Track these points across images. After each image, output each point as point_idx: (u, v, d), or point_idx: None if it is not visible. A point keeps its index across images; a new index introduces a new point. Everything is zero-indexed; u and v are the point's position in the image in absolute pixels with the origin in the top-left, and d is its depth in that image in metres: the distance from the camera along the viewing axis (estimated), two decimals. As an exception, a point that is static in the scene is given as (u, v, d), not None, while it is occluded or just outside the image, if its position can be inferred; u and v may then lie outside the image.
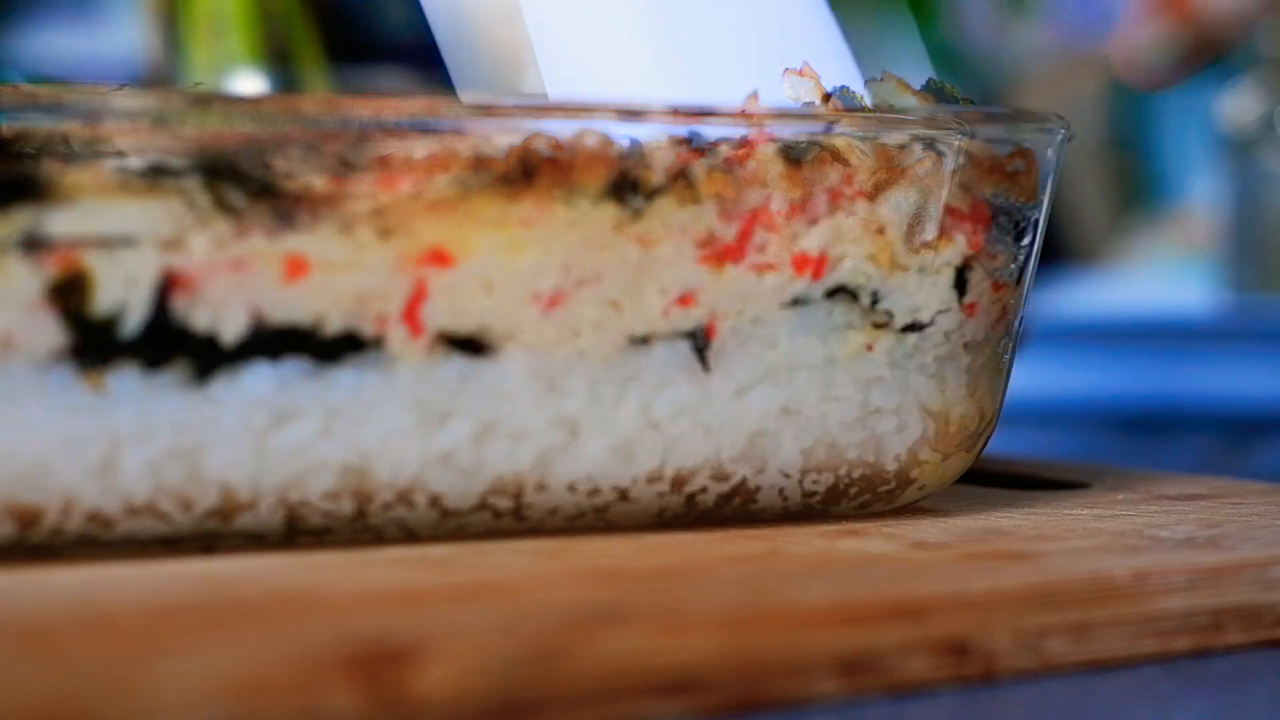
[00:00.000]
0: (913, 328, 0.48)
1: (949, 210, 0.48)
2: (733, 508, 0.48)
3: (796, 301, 0.47)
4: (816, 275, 0.47)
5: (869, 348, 0.48)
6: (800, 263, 0.47)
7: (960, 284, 0.48)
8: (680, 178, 0.45)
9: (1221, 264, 1.56)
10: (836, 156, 0.47)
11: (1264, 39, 1.56)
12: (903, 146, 0.47)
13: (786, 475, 0.48)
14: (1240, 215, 1.54)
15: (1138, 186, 1.84)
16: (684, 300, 0.46)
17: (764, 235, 0.46)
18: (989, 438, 0.51)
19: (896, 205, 0.47)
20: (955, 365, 0.49)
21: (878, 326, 0.48)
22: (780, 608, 0.39)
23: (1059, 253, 1.65)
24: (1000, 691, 0.41)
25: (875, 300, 0.48)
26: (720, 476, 0.47)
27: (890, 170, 0.47)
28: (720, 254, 0.46)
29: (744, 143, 0.46)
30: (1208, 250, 1.62)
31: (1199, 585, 0.43)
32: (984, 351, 0.49)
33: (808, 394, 0.47)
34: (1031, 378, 1.21)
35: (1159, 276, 1.64)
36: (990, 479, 0.57)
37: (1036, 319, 1.22)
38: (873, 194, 0.47)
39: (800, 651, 0.38)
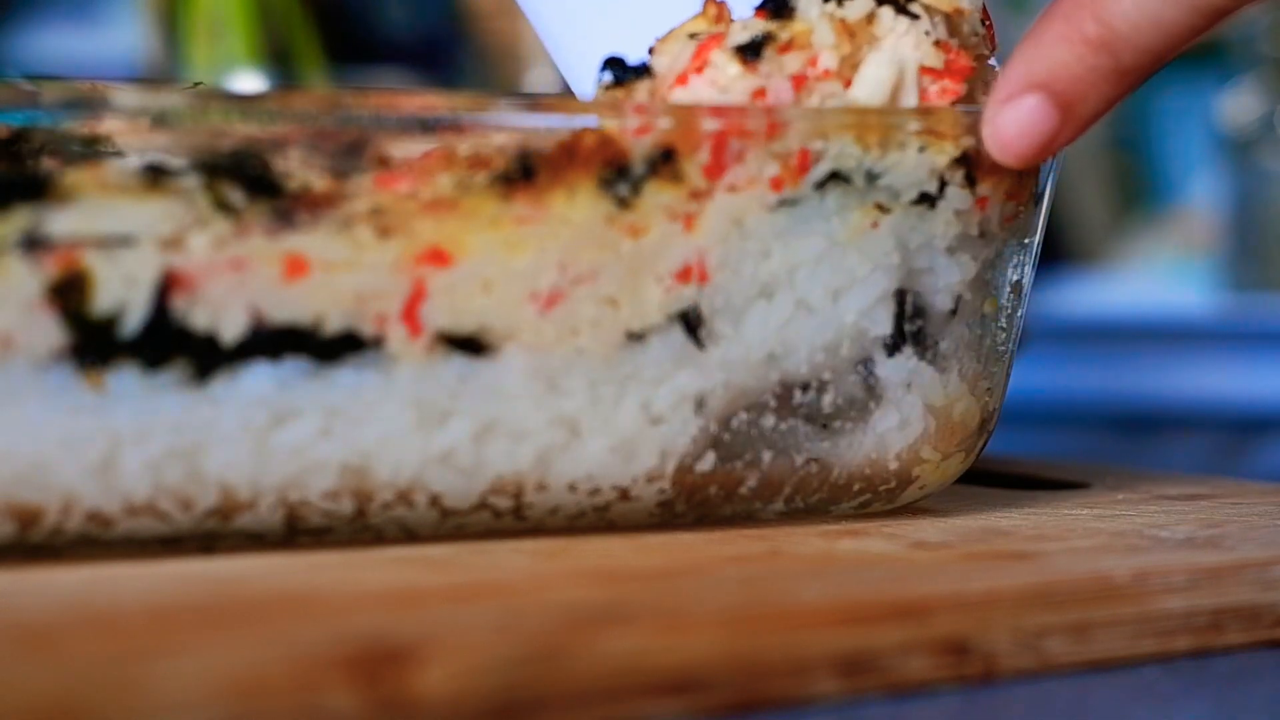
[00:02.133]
0: (922, 200, 0.47)
1: (932, 75, 0.47)
2: (757, 444, 0.48)
3: (784, 203, 0.46)
4: (803, 170, 0.46)
5: (874, 225, 0.46)
6: (781, 160, 0.46)
7: (965, 163, 0.47)
8: (664, 159, 0.45)
9: (1221, 264, 1.56)
10: (797, 43, 0.46)
11: (1264, 39, 1.56)
12: (870, 16, 0.46)
13: (809, 381, 0.47)
14: (1240, 215, 1.54)
15: (1138, 186, 1.84)
16: (683, 275, 0.45)
17: (738, 144, 0.46)
18: (989, 436, 0.51)
19: (872, 81, 0.46)
20: (966, 258, 0.48)
21: (881, 208, 0.46)
22: (780, 608, 0.39)
23: (1059, 253, 1.65)
24: (1000, 691, 0.41)
25: (872, 178, 0.46)
26: (747, 408, 0.47)
27: (858, 45, 0.46)
28: (701, 176, 0.45)
29: (699, 50, 0.46)
30: (1208, 250, 1.62)
31: (1199, 585, 0.43)
32: (993, 259, 0.48)
33: (813, 289, 0.47)
34: (1031, 378, 1.21)
35: (1159, 276, 1.64)
36: (990, 479, 0.57)
37: (1036, 319, 1.22)
38: (844, 73, 0.46)
39: (800, 651, 0.38)
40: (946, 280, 0.48)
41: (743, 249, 0.46)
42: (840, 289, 0.47)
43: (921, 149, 0.46)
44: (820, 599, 0.39)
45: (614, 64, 0.47)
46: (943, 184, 0.47)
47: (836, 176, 0.46)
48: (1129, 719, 0.43)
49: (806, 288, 0.46)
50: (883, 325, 0.47)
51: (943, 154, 0.47)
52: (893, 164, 0.46)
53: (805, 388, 0.47)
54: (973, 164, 0.47)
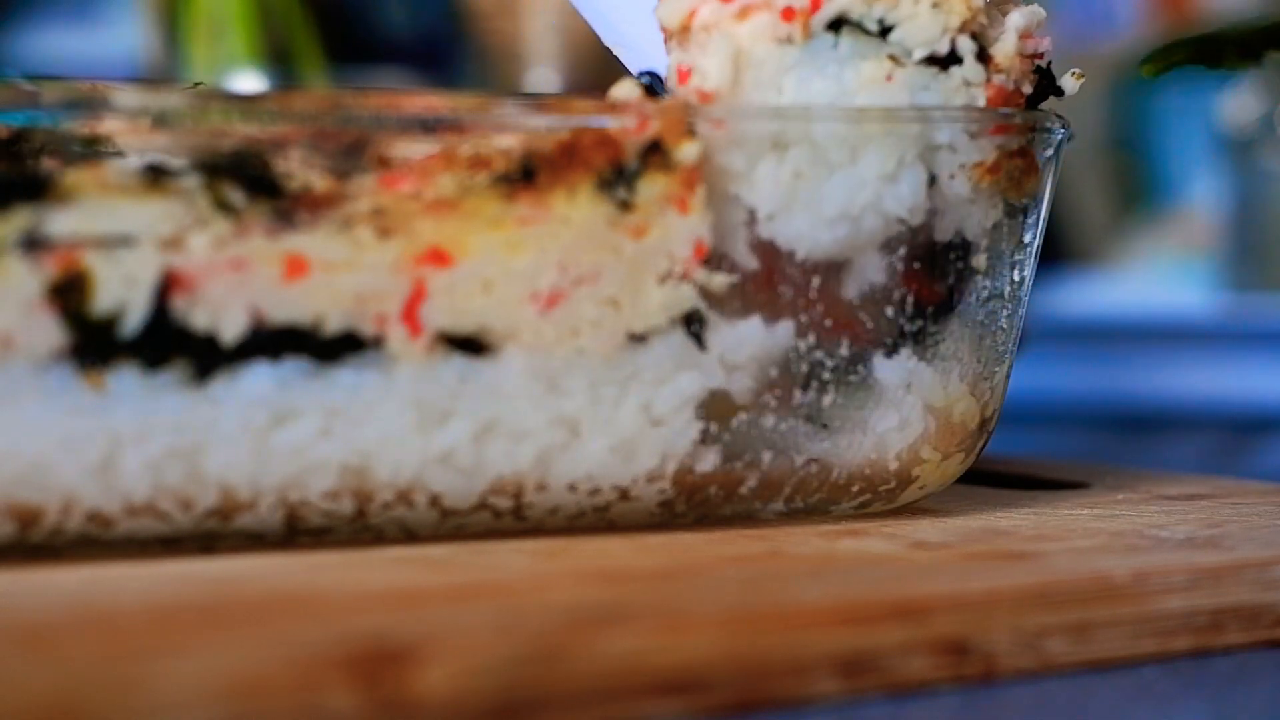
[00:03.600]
0: (932, 61, 0.47)
1: None
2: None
3: (794, 38, 0.46)
4: (815, 6, 0.46)
5: (889, 79, 0.47)
6: None
7: (977, 39, 0.47)
8: (652, 149, 0.45)
9: (1221, 264, 1.56)
10: None
11: (1264, 39, 1.55)
12: None
13: (821, 233, 0.46)
14: (1240, 215, 1.54)
15: (1138, 186, 1.84)
16: (699, 249, 0.45)
17: None
18: (989, 436, 0.51)
19: None
20: (984, 142, 0.47)
21: (895, 61, 0.46)
22: (780, 608, 0.39)
23: (1059, 253, 1.65)
24: (1000, 691, 0.41)
25: (885, 29, 0.47)
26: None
27: None
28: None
29: None
30: (1208, 250, 1.62)
31: (1199, 585, 0.43)
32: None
33: (827, 140, 0.46)
34: (1031, 378, 1.21)
35: (1159, 276, 1.64)
36: (990, 479, 0.57)
37: (1036, 319, 1.22)
38: None
39: (800, 651, 0.38)
40: (965, 159, 0.47)
41: (754, 79, 0.46)
42: (858, 146, 0.47)
43: (935, 3, 0.47)
44: (820, 599, 0.39)
45: (652, 75, 0.47)
46: (954, 48, 0.47)
47: (846, 21, 0.46)
48: (1129, 719, 0.43)
49: (822, 139, 0.46)
50: (904, 202, 0.47)
51: (954, 14, 0.47)
52: (905, 15, 0.46)
53: (826, 271, 0.46)
54: (983, 39, 0.47)
